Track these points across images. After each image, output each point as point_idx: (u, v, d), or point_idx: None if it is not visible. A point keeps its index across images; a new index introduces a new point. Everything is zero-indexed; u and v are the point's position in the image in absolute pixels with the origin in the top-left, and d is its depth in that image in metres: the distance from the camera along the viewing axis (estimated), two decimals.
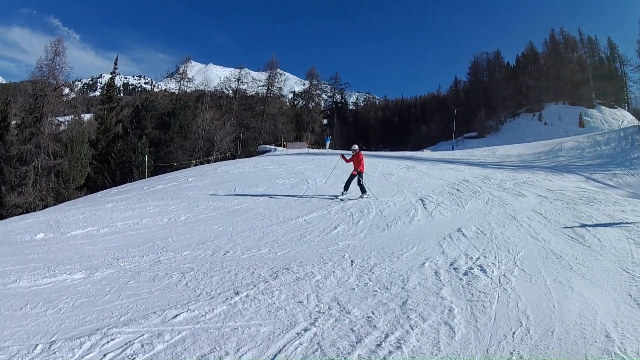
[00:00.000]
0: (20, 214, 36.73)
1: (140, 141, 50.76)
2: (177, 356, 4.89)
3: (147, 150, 49.82)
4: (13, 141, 46.12)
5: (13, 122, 51.53)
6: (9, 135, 48.64)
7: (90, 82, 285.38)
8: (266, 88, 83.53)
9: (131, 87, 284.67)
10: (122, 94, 67.73)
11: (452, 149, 60.30)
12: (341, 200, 15.66)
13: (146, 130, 53.46)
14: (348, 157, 17.01)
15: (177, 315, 5.97)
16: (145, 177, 42.40)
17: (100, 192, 29.99)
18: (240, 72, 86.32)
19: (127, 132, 53.55)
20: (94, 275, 7.90)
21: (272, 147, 59.10)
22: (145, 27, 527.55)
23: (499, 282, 7.15)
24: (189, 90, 79.86)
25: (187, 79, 77.98)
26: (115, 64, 66.28)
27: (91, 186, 46.82)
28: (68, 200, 39.01)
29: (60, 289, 7.27)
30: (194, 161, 51.94)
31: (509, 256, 8.68)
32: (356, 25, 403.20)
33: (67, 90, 53.29)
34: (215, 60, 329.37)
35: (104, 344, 5.17)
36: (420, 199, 15.10)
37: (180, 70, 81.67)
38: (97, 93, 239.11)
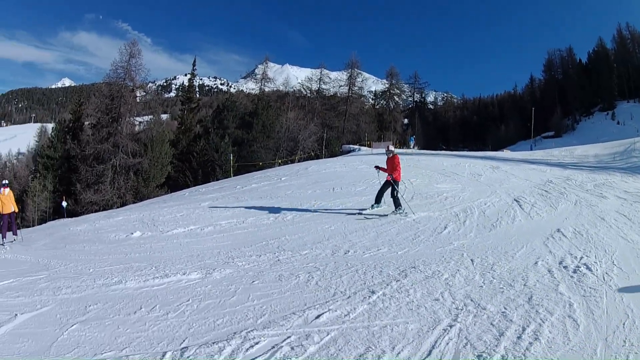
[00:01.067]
0: (96, 211, 38.98)
1: (222, 141, 51.37)
2: (333, 357, 4.79)
3: (231, 150, 50.09)
4: (89, 141, 47.67)
5: (86, 123, 53.85)
6: (84, 135, 50.85)
7: (165, 84, 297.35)
8: (347, 88, 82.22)
9: (207, 88, 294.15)
10: (198, 95, 67.97)
11: (531, 149, 57.71)
12: (365, 216, 13.06)
13: (228, 130, 54.08)
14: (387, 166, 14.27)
15: (319, 315, 5.90)
16: (230, 176, 42.68)
17: (186, 190, 31.60)
18: (321, 72, 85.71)
19: (208, 131, 54.41)
20: (211, 276, 8.03)
21: (357, 146, 58.51)
22: (219, 29, 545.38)
23: (604, 279, 7.11)
24: (267, 91, 79.80)
25: (267, 80, 77.34)
26: (194, 65, 67.25)
27: (172, 185, 48.16)
28: (148, 198, 40.54)
29: (176, 290, 7.41)
30: (279, 160, 52.09)
31: (607, 256, 8.51)
32: (432, 23, 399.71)
33: (143, 92, 54.40)
34: (291, 60, 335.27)
35: (247, 349, 5.04)
36: (515, 200, 14.84)
37: (260, 71, 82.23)
38: (172, 94, 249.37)
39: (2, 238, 15.25)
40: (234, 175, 42.13)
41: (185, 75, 64.97)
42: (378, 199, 13.54)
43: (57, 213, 46.44)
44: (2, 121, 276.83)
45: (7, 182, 17.06)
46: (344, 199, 15.97)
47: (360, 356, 4.73)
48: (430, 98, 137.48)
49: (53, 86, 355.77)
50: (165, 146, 48.41)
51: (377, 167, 14.48)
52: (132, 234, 13.02)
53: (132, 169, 46.79)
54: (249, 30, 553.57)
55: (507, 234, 10.38)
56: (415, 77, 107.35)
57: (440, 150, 66.56)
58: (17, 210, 16.75)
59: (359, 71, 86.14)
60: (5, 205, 15.84)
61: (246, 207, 15.43)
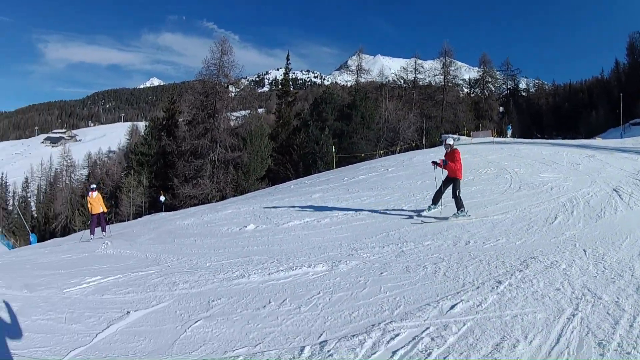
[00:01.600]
0: (195, 204, 40.06)
1: (322, 133, 51.12)
2: (472, 347, 4.72)
3: (331, 142, 49.92)
4: (185, 137, 48.83)
5: (181, 120, 56.09)
6: (179, 131, 52.47)
7: (258, 79, 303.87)
8: (443, 76, 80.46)
9: (301, 81, 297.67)
10: (291, 89, 68.41)
11: (621, 137, 54.68)
12: (422, 220, 11.80)
13: (327, 122, 53.98)
14: (444, 161, 12.81)
15: (453, 306, 5.84)
16: (332, 168, 42.42)
17: (290, 182, 32.23)
18: (415, 62, 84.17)
19: (307, 124, 54.39)
20: (338, 268, 7.96)
21: (456, 136, 56.90)
22: (308, 22, 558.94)
23: None
24: (363, 82, 79.07)
25: (363, 71, 76.36)
26: (288, 59, 67.88)
27: (272, 177, 48.93)
28: (249, 191, 41.30)
29: (304, 283, 7.35)
30: (380, 152, 51.62)
31: None
32: (519, 7, 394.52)
33: (238, 88, 55.56)
34: (382, 51, 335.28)
35: (388, 341, 4.94)
36: (614, 190, 14.32)
37: (353, 63, 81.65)
38: (266, 89, 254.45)
39: (91, 234, 18.14)
40: (335, 167, 41.85)
41: (278, 69, 65.87)
42: (436, 199, 12.66)
43: (153, 207, 48.30)
44: (90, 121, 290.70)
45: (94, 186, 21.19)
46: None
47: (496, 345, 4.73)
48: (522, 85, 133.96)
49: (141, 86, 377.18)
50: (265, 140, 49.03)
51: (434, 163, 13.22)
52: (246, 227, 13.21)
53: (232, 162, 47.60)
54: (338, 23, 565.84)
55: (611, 224, 10.22)
56: (507, 64, 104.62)
57: (536, 138, 63.92)
58: (105, 211, 19.46)
59: (452, 59, 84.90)
60: (94, 206, 18.70)
61: (359, 199, 15.70)
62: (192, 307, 6.80)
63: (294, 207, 15.38)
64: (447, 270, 7.26)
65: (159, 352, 5.38)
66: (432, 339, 4.82)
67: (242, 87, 55.57)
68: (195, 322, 6.12)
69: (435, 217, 11.97)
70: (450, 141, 13.06)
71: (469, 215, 11.49)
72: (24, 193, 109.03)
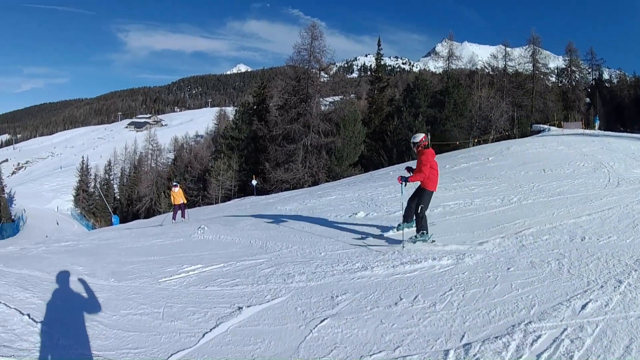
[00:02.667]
0: (286, 189, 41.46)
1: (416, 120, 51.20)
2: (607, 349, 4.60)
3: (425, 129, 49.05)
4: (277, 121, 49.75)
5: (272, 104, 57.01)
6: (270, 116, 53.33)
7: (346, 65, 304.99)
8: (532, 64, 78.81)
9: (389, 67, 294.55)
10: (375, 75, 68.47)
11: None
12: (366, 244, 9.67)
13: (420, 108, 53.86)
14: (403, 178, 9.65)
15: (584, 305, 5.63)
16: None
17: (388, 168, 32.28)
18: (505, 49, 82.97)
19: (400, 110, 54.51)
20: (463, 261, 7.68)
21: (546, 126, 56.66)
22: (395, 8, 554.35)
23: None
24: (453, 69, 78.46)
25: (454, 57, 75.75)
26: (379, 45, 67.46)
27: (365, 164, 49.00)
28: (342, 176, 42.11)
29: (432, 277, 7.07)
30: (475, 140, 51.55)
31: None
32: None
33: (329, 73, 55.79)
34: (469, 37, 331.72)
35: (531, 343, 4.81)
36: None
37: (441, 49, 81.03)
38: (354, 75, 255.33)
39: (172, 219, 22.70)
40: None
41: (366, 55, 65.86)
42: (407, 217, 9.79)
43: (243, 191, 50.10)
44: (176, 107, 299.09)
45: (176, 182, 26.41)
46: (558, 181, 15.64)
47: (626, 347, 4.61)
48: (605, 76, 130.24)
49: (228, 72, 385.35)
50: (358, 125, 49.20)
51: (401, 179, 9.56)
52: (356, 214, 12.94)
53: (325, 148, 48.15)
54: (425, 9, 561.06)
55: None
56: (591, 53, 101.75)
57: (620, 132, 62.40)
58: (185, 202, 24.23)
59: (539, 47, 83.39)
60: (176, 199, 23.30)
61: (467, 188, 15.50)
62: (314, 303, 6.46)
63: (401, 194, 14.55)
64: (570, 267, 7.12)
65: (282, 357, 5.11)
66: (571, 341, 4.76)
67: (333, 72, 55.90)
68: (321, 321, 5.78)
69: (385, 240, 9.88)
70: (417, 138, 9.81)
71: (433, 241, 9.02)
72: (107, 176, 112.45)
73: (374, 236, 10.21)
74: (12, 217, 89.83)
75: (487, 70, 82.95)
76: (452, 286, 6.45)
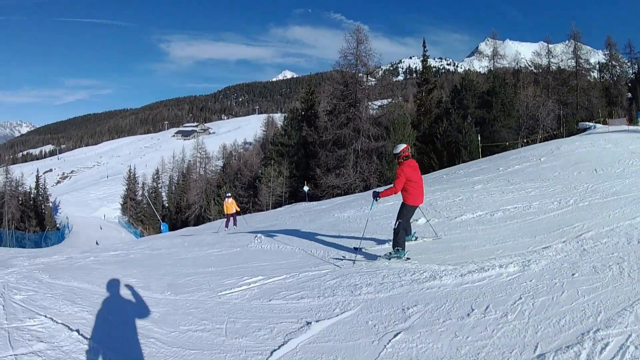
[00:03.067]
0: (338, 194, 41.56)
1: (465, 121, 51.08)
2: None
3: (474, 130, 49.91)
4: (327, 127, 49.81)
5: (321, 110, 56.82)
6: (320, 121, 53.57)
7: (392, 68, 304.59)
8: (574, 60, 77.85)
9: (434, 69, 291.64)
10: (422, 77, 67.97)
11: None
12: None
13: (469, 109, 53.73)
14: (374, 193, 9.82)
15: None
16: (476, 158, 42.57)
17: (440, 172, 32.15)
18: (548, 46, 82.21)
19: (449, 112, 54.26)
20: (529, 268, 7.46)
21: (592, 124, 55.30)
22: (437, 9, 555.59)
23: None
24: (498, 68, 78.04)
25: (499, 56, 75.45)
26: (424, 46, 67.03)
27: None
28: (392, 181, 40.54)
29: (501, 286, 6.84)
30: (524, 140, 51.23)
31: None
32: None
33: (376, 77, 55.80)
34: (510, 35, 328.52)
35: (600, 351, 4.70)
36: None
37: (484, 48, 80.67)
38: (400, 78, 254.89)
39: (225, 227, 25.69)
40: (481, 157, 41.78)
41: (411, 58, 65.28)
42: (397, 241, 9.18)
43: (293, 197, 50.32)
44: (223, 115, 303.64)
45: (230, 194, 29.38)
46: (610, 181, 15.14)
47: None
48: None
49: (274, 79, 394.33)
50: (408, 128, 49.19)
51: (374, 194, 9.75)
52: (417, 220, 12.14)
53: (375, 152, 48.15)
54: (467, 8, 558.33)
55: None
56: (629, 46, 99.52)
57: None
58: (238, 210, 27.41)
59: (580, 43, 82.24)
60: (229, 208, 26.52)
61: (523, 191, 15.20)
62: (385, 316, 6.19)
63: (459, 198, 15.01)
64: (630, 272, 6.88)
65: None
66: (636, 347, 4.66)
67: (381, 75, 55.99)
68: (395, 335, 5.54)
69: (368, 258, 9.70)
70: (398, 149, 9.60)
71: (407, 259, 8.90)
72: (154, 184, 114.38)
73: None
74: (57, 226, 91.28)
75: (530, 68, 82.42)
76: (521, 294, 6.35)
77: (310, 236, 12.80)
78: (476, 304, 6.13)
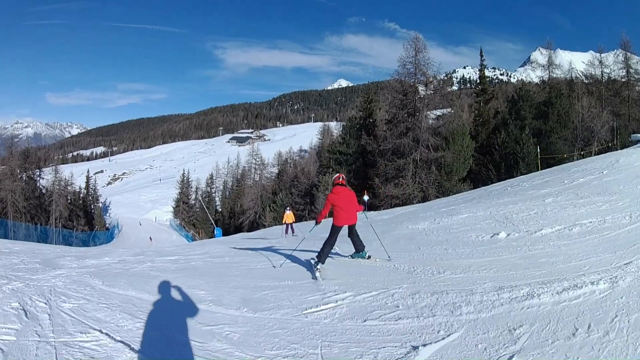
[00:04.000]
0: (396, 204, 42.25)
1: (523, 132, 50.55)
2: None
3: (532, 142, 49.48)
4: (386, 136, 49.77)
5: (378, 118, 57.53)
6: (379, 130, 53.53)
7: (446, 78, 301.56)
8: (625, 70, 76.61)
9: (487, 79, 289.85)
10: (480, 87, 66.76)
11: None
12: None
13: (526, 120, 53.02)
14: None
15: None
16: (535, 170, 42.05)
17: (503, 183, 31.37)
18: (600, 55, 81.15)
19: (506, 123, 53.86)
20: (618, 285, 7.12)
21: None
22: (490, 19, 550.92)
23: None
24: (552, 78, 77.28)
25: (554, 66, 74.93)
26: (481, 55, 67.30)
27: (473, 179, 49.07)
28: (451, 192, 42.29)
29: (596, 303, 6.54)
30: (579, 152, 50.43)
31: None
32: None
33: (435, 86, 54.69)
34: (561, 44, 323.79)
35: None
36: None
37: (536, 57, 79.82)
38: (455, 88, 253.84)
39: (284, 234, 27.97)
40: (540, 169, 41.39)
41: (464, 67, 64.23)
42: (357, 249, 11.37)
43: None
44: (278, 122, 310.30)
45: (289, 207, 32.02)
46: None
47: None
48: None
49: (329, 87, 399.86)
50: (466, 139, 49.00)
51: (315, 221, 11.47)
52: (497, 234, 12.26)
53: (434, 162, 48.08)
54: (518, 17, 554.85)
55: None
56: None
57: None
58: (294, 221, 30.51)
59: (630, 53, 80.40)
60: (288, 218, 29.54)
61: (594, 205, 14.46)
62: (493, 338, 5.85)
63: (533, 212, 14.46)
64: None
65: None
66: None
67: (440, 84, 55.66)
68: (509, 359, 5.28)
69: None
70: (332, 177, 11.71)
71: (315, 278, 9.79)
72: (208, 189, 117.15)
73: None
74: (107, 226, 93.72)
75: (582, 79, 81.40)
76: (616, 312, 6.10)
77: (389, 249, 11.83)
78: (578, 322, 5.95)
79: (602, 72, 75.67)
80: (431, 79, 51.99)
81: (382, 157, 49.26)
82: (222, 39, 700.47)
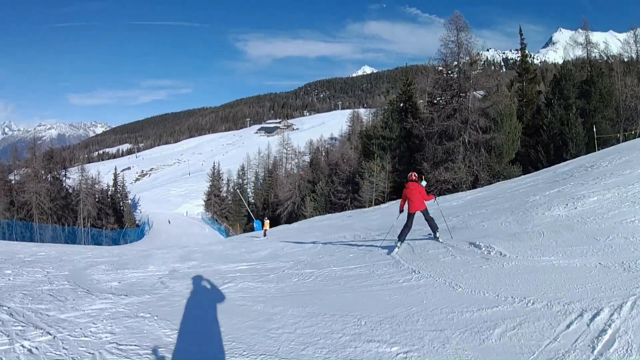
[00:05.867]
0: (447, 190, 41.74)
1: (569, 112, 49.10)
2: None
3: (579, 122, 48.28)
4: (433, 118, 48.71)
5: (421, 101, 57.43)
6: (425, 113, 52.39)
7: (470, 61, 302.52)
8: None
9: (511, 61, 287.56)
10: (504, 69, 65.42)
11: None
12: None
13: (570, 100, 51.54)
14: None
15: None
16: (583, 151, 42.39)
17: (566, 165, 29.59)
18: (634, 33, 79.53)
19: (550, 103, 52.48)
20: None
21: None
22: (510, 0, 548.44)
23: None
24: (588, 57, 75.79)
25: (592, 45, 73.34)
26: (521, 34, 65.94)
27: (521, 160, 47.87)
28: (502, 175, 42.84)
29: None
30: (624, 133, 49.96)
31: None
32: None
33: (479, 65, 54.21)
34: (579, 24, 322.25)
35: None
36: None
37: (558, 38, 78.64)
38: (479, 70, 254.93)
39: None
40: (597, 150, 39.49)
41: (487, 50, 62.20)
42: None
43: (396, 193, 48.56)
44: (305, 111, 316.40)
45: (267, 217, 38.21)
46: None
47: None
48: None
49: (354, 75, 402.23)
50: (514, 120, 47.92)
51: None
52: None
53: (484, 145, 47.11)
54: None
55: None
56: None
57: None
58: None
59: None
60: (267, 225, 33.95)
61: None
62: None
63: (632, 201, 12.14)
64: None
65: None
66: None
67: (484, 64, 54.17)
68: None
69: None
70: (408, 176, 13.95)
71: (397, 247, 12.55)
72: (240, 180, 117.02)
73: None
74: (137, 222, 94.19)
75: (622, 58, 79.90)
76: None
77: (554, 241, 10.18)
78: None
79: (637, 50, 74.15)
80: (476, 58, 50.92)
81: (430, 140, 48.29)
82: (244, 31, 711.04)
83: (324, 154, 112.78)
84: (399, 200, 14.13)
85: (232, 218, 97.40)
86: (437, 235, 12.78)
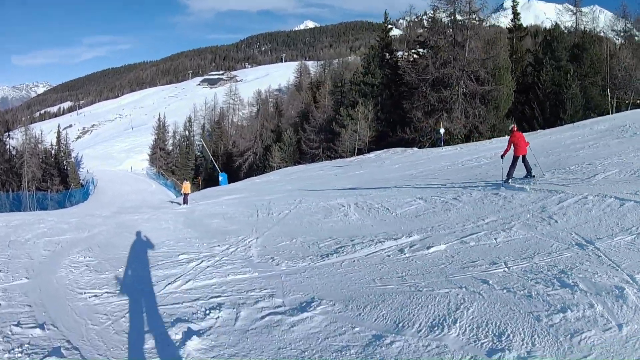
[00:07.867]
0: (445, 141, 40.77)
1: (567, 73, 48.11)
2: None
3: (577, 83, 47.72)
4: (428, 64, 46.74)
5: (418, 48, 53.87)
6: (422, 60, 49.88)
7: (470, 11, 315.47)
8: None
9: (460, 22, 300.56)
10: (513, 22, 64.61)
11: None
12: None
13: (561, 62, 50.66)
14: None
15: None
16: (580, 112, 43.78)
17: (593, 121, 31.02)
18: (624, 10, 78.33)
19: (541, 62, 51.47)
20: None
21: None
22: None
23: None
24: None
25: (581, 12, 71.66)
26: None
27: (514, 116, 46.38)
28: (497, 128, 43.67)
29: None
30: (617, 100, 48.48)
31: None
32: None
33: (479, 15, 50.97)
34: None
35: None
36: None
37: (509, 5, 77.25)
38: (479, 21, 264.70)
39: (183, 204, 25.33)
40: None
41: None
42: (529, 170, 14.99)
43: (382, 141, 48.50)
44: (247, 63, 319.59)
45: (186, 179, 35.78)
46: None
47: None
48: None
49: (296, 28, 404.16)
50: (508, 75, 46.59)
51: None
52: None
53: (479, 96, 45.80)
54: None
55: None
56: None
57: None
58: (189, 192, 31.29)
59: None
60: (186, 189, 30.94)
61: None
62: None
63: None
64: None
65: None
66: None
67: (485, 14, 52.30)
68: None
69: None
70: (510, 126, 16.91)
71: (506, 181, 14.52)
72: (186, 133, 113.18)
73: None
74: (81, 182, 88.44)
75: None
76: None
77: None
78: None
79: (625, 25, 72.96)
80: (476, 8, 48.55)
81: (424, 88, 46.18)
82: None
83: (272, 104, 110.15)
84: (388, 149, 17.21)
85: (178, 172, 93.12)
86: (533, 174, 14.78)
